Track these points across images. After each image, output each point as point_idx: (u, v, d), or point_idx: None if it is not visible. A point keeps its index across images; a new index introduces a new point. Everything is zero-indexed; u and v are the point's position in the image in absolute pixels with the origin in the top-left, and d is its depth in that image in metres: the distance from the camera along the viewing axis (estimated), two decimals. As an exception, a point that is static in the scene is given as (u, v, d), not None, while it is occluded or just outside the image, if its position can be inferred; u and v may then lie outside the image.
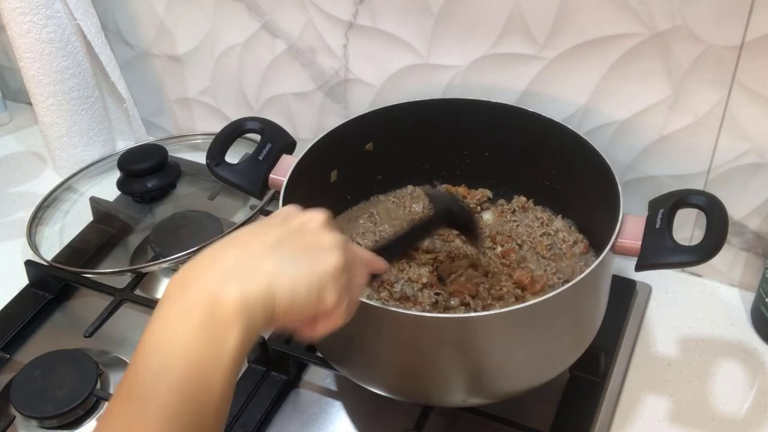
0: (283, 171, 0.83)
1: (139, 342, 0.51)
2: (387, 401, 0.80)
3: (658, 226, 0.73)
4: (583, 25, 0.85)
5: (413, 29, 0.93)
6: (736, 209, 0.90)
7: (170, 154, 1.08)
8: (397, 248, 0.76)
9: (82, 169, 1.11)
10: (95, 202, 1.08)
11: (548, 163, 0.90)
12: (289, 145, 0.87)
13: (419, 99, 0.90)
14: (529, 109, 0.87)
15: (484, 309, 0.81)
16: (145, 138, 1.21)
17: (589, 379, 0.85)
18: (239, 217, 1.04)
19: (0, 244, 1.09)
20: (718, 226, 0.71)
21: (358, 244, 0.89)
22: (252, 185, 0.84)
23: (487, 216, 0.94)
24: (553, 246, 0.89)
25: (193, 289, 0.52)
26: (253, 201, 1.04)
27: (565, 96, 0.91)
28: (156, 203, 1.08)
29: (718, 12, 0.78)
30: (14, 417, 0.85)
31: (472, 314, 0.75)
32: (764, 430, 0.82)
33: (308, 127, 1.09)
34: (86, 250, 1.04)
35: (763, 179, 0.87)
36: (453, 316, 0.71)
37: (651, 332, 0.92)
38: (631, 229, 0.74)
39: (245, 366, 0.89)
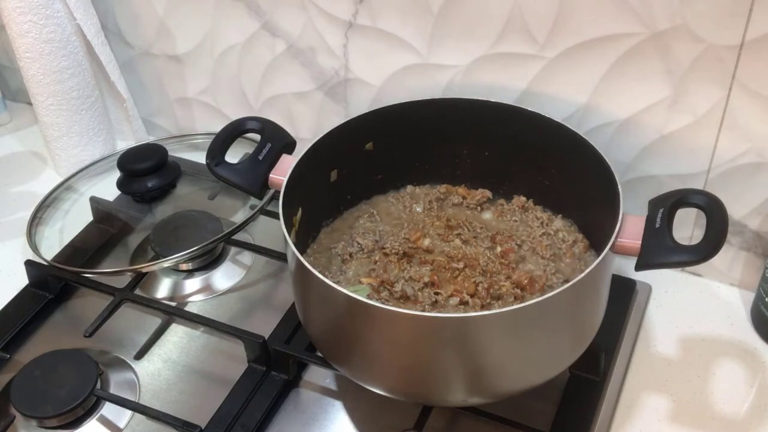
0: (283, 171, 0.83)
1: None
2: (387, 401, 0.80)
3: (658, 225, 0.73)
4: (583, 25, 0.85)
5: (413, 29, 0.93)
6: (736, 209, 0.90)
7: (170, 154, 1.08)
8: None
9: (82, 169, 1.11)
10: (95, 202, 1.08)
11: (548, 163, 0.90)
12: (289, 145, 0.87)
13: (419, 99, 0.90)
14: (529, 109, 0.87)
15: (483, 309, 0.81)
16: (145, 138, 1.21)
17: (589, 379, 0.85)
18: (239, 217, 1.04)
19: (0, 244, 1.09)
20: (718, 226, 0.71)
21: (358, 244, 0.89)
22: (252, 185, 0.84)
23: (487, 216, 0.94)
24: (553, 246, 0.89)
25: None
26: (253, 201, 1.04)
27: (565, 95, 0.91)
28: (156, 203, 1.08)
29: (718, 12, 0.78)
30: (14, 417, 0.85)
31: (472, 314, 0.75)
32: (764, 430, 0.82)
33: (308, 127, 1.09)
34: (86, 250, 1.04)
35: (763, 179, 0.87)
36: (453, 316, 0.71)
37: (651, 332, 0.92)
38: (630, 228, 0.74)
39: (245, 365, 0.89)
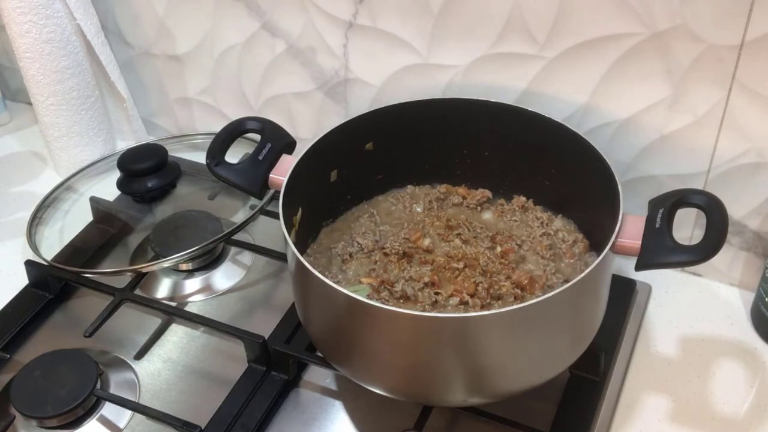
0: (283, 171, 0.83)
1: None
2: (387, 401, 0.80)
3: (658, 225, 0.73)
4: (583, 25, 0.85)
5: (413, 29, 0.93)
6: (736, 209, 0.90)
7: (170, 154, 1.08)
8: None
9: (82, 169, 1.11)
10: (95, 202, 1.08)
11: (548, 163, 0.90)
12: (289, 145, 0.87)
13: (419, 99, 0.90)
14: (529, 109, 0.87)
15: (483, 309, 0.81)
16: (145, 138, 1.22)
17: (589, 379, 0.85)
18: (239, 217, 1.04)
19: (0, 244, 1.09)
20: (718, 226, 0.71)
21: (358, 244, 0.89)
22: (252, 185, 0.84)
23: (487, 216, 0.94)
24: (553, 246, 0.89)
25: None
26: (253, 201, 1.04)
27: (565, 95, 0.91)
28: (156, 203, 1.08)
29: (718, 12, 0.78)
30: (14, 417, 0.85)
31: (472, 314, 0.75)
32: (764, 430, 0.82)
33: (308, 127, 1.09)
34: (86, 250, 1.04)
35: (763, 179, 0.87)
36: (453, 316, 0.71)
37: (651, 332, 0.92)
38: (630, 228, 0.74)
39: (245, 365, 0.89)
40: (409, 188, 0.97)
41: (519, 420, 0.81)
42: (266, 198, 0.99)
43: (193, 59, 1.11)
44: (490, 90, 0.94)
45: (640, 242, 0.72)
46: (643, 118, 0.88)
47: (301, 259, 0.73)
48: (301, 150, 0.85)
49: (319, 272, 0.72)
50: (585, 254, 0.88)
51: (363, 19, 0.95)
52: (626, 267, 0.95)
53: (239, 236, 1.00)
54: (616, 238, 0.73)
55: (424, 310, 0.81)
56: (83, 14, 1.06)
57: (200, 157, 0.94)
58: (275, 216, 0.91)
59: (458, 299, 0.82)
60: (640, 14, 0.81)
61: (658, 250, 0.71)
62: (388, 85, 0.99)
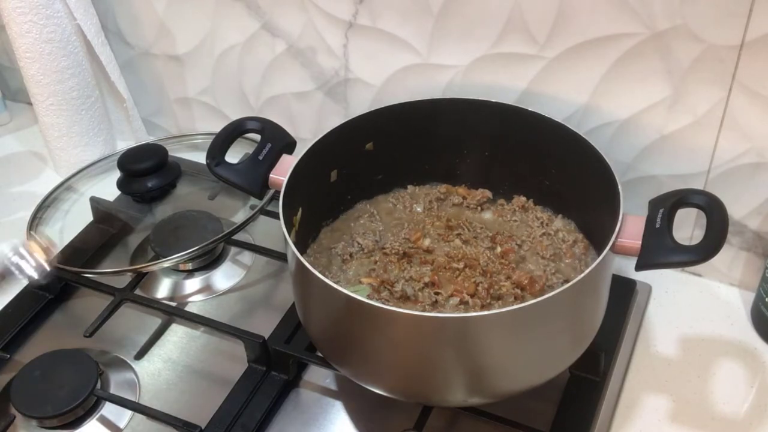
0: (283, 171, 0.83)
1: None
2: (387, 401, 0.80)
3: (658, 225, 0.73)
4: (583, 25, 0.85)
5: (413, 29, 0.93)
6: (736, 209, 0.90)
7: (170, 154, 1.08)
8: None
9: (82, 169, 1.11)
10: (95, 202, 1.08)
11: (548, 163, 0.90)
12: (289, 145, 0.87)
13: (419, 99, 0.90)
14: (529, 109, 0.87)
15: (483, 309, 0.81)
16: (145, 138, 1.21)
17: (589, 379, 0.85)
18: (239, 217, 1.04)
19: (0, 244, 1.09)
20: (718, 226, 0.71)
21: (358, 244, 0.89)
22: (252, 185, 0.84)
23: (487, 216, 0.94)
24: (553, 246, 0.89)
25: None
26: (254, 201, 1.04)
27: (565, 95, 0.91)
28: (156, 203, 1.08)
29: (718, 12, 0.78)
30: (14, 417, 0.85)
31: (472, 314, 0.75)
32: (764, 430, 0.82)
33: (308, 127, 1.09)
34: (86, 250, 1.04)
35: (763, 179, 0.87)
36: (453, 316, 0.71)
37: (651, 332, 0.92)
38: (631, 228, 0.73)
39: (245, 366, 0.89)
40: (409, 188, 0.97)
41: (519, 420, 0.81)
42: (266, 198, 0.99)
43: (193, 59, 1.11)
44: (490, 90, 0.94)
45: (640, 242, 0.72)
46: (643, 118, 0.88)
47: (301, 259, 0.73)
48: (301, 150, 0.85)
49: (319, 272, 0.72)
50: (585, 254, 0.88)
51: (363, 19, 0.95)
52: (626, 267, 0.95)
53: (239, 236, 1.00)
54: (616, 238, 0.73)
55: (424, 310, 0.81)
56: (83, 14, 1.06)
57: (200, 157, 0.94)
58: (275, 216, 0.91)
59: (458, 299, 0.82)
60: (640, 14, 0.81)
61: (658, 250, 0.71)
62: (388, 85, 0.99)
